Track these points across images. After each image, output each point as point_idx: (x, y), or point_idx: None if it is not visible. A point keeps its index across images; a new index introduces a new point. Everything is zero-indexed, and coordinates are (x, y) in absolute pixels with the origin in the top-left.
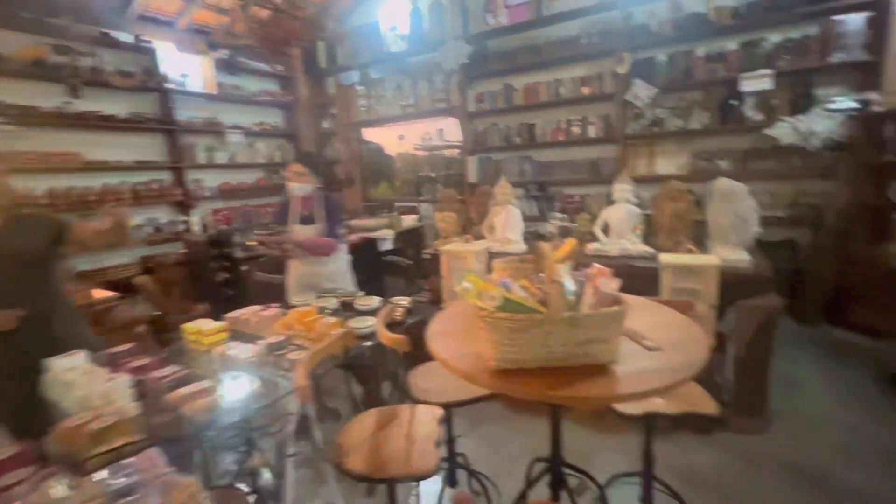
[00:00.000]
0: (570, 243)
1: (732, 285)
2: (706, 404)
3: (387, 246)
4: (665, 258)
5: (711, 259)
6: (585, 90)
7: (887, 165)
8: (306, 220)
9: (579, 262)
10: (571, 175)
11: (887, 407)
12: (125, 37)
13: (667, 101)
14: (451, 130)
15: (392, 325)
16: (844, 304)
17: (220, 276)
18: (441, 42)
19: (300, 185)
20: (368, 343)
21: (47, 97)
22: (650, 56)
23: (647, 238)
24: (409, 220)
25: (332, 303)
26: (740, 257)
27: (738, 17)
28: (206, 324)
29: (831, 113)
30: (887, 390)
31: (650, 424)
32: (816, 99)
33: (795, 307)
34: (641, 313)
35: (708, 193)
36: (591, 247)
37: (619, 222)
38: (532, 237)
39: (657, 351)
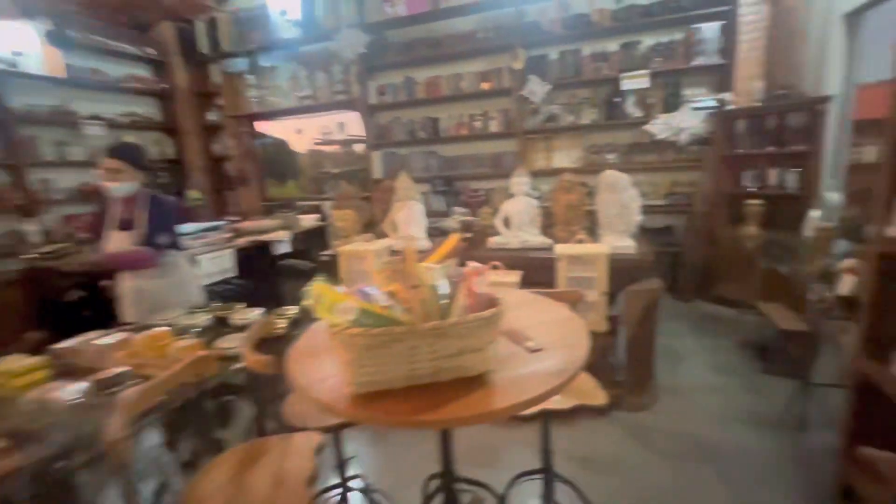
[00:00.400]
0: (450, 240)
1: (621, 271)
2: (596, 395)
3: (283, 249)
4: (560, 249)
5: (601, 248)
6: (485, 85)
7: (740, 158)
8: (126, 225)
9: (484, 256)
10: (475, 169)
11: (748, 370)
12: None
13: (560, 97)
14: (353, 124)
15: (271, 341)
16: (711, 281)
17: (73, 294)
18: (337, 30)
19: (118, 185)
20: (238, 366)
21: None
22: (543, 53)
23: (547, 230)
24: (309, 220)
25: (202, 319)
26: (626, 244)
27: (616, 19)
28: (18, 361)
29: (696, 111)
30: (747, 354)
31: (546, 423)
32: (685, 98)
33: (675, 286)
34: (526, 310)
35: (597, 185)
36: (494, 240)
37: (519, 215)
38: (437, 233)
39: (539, 352)
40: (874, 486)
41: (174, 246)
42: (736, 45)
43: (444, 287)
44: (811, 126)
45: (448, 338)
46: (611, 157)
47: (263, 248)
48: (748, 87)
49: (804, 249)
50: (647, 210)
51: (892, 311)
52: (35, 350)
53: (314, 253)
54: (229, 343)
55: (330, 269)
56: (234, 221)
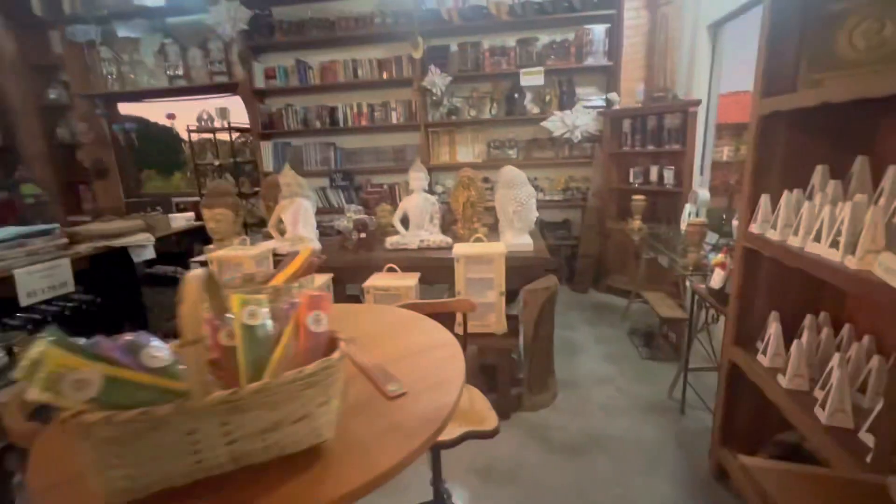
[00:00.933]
0: (302, 255)
1: (518, 270)
2: (486, 419)
3: (147, 255)
4: (457, 248)
5: (498, 247)
6: (385, 74)
7: (626, 155)
8: None
9: (381, 258)
10: (377, 163)
11: (635, 357)
12: None
13: (461, 90)
14: (237, 110)
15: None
16: (604, 272)
17: None
18: (213, 1)
19: None
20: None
21: None
22: (444, 44)
23: (449, 227)
24: (183, 219)
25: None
26: (524, 242)
27: (513, 14)
28: None
29: (588, 109)
30: (634, 342)
31: (435, 455)
32: (578, 96)
33: (572, 277)
34: (397, 336)
35: (496, 181)
36: (391, 240)
37: (417, 212)
38: (332, 232)
39: (402, 397)
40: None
41: None
42: (621, 47)
43: (266, 326)
44: (683, 127)
45: (253, 411)
46: (511, 152)
47: (118, 255)
48: (631, 89)
49: (680, 242)
50: (546, 205)
51: (757, 301)
52: None
53: (188, 259)
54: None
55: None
56: (77, 223)
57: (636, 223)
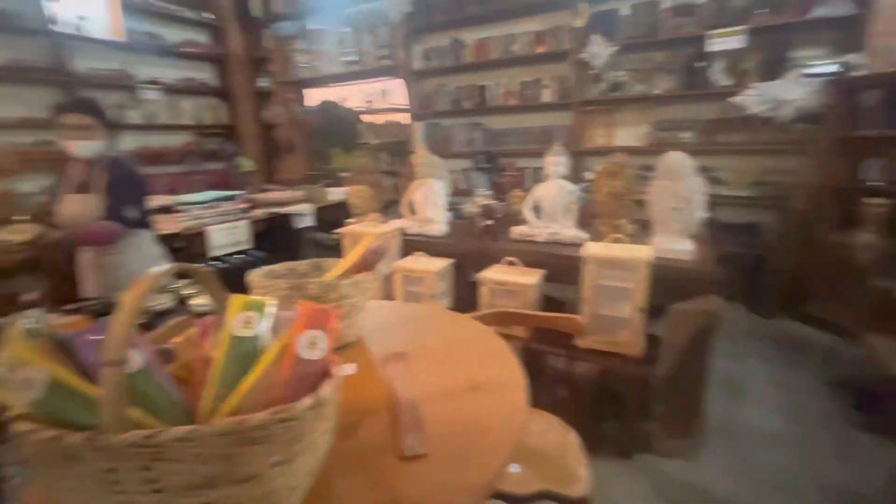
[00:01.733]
0: (363, 244)
1: (669, 283)
2: (577, 479)
3: (305, 223)
4: (588, 248)
5: (643, 251)
6: (540, 48)
7: (861, 141)
8: (81, 189)
9: (504, 248)
10: (524, 145)
11: (838, 421)
12: None
13: (628, 61)
14: (397, 92)
15: None
16: (803, 296)
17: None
18: None
19: (84, 143)
20: None
21: None
22: (612, 8)
23: (588, 221)
24: (337, 194)
25: (162, 302)
26: (680, 248)
27: None
28: None
29: (807, 78)
30: (840, 400)
31: None
32: (793, 62)
33: (752, 296)
34: (453, 360)
35: (656, 170)
36: (518, 230)
37: (550, 202)
38: (458, 216)
39: (419, 459)
40: None
41: (143, 223)
42: None
43: (257, 342)
44: None
45: (180, 461)
46: (686, 135)
47: (285, 220)
48: (888, 47)
49: None
50: (728, 202)
51: None
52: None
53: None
54: None
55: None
56: (264, 191)
57: (867, 236)
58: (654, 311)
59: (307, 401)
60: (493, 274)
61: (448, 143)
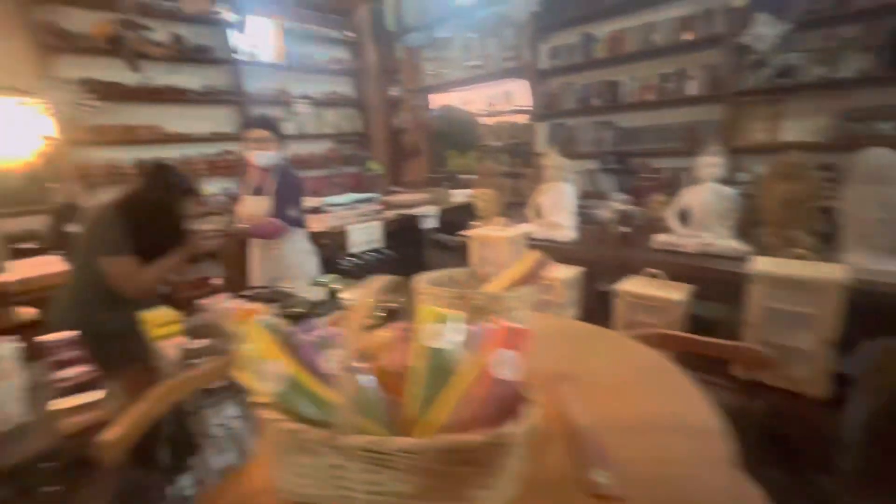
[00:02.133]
0: (528, 258)
1: (870, 311)
2: None
3: (430, 224)
4: (758, 264)
5: (832, 271)
6: (687, 35)
7: None
8: (257, 191)
9: (644, 259)
10: (661, 144)
11: None
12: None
13: (805, 40)
14: (520, 93)
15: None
16: None
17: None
18: None
19: (263, 153)
20: None
21: (127, 73)
22: None
23: (747, 231)
24: (460, 196)
25: (317, 294)
26: (890, 268)
27: None
28: (163, 312)
29: None
30: None
31: None
32: None
33: None
34: (627, 388)
35: (850, 171)
36: (662, 238)
37: (703, 208)
38: (588, 221)
39: (615, 500)
40: None
41: (300, 222)
42: None
43: (450, 355)
44: None
45: (394, 470)
46: (886, 126)
47: (412, 221)
48: None
49: None
50: None
51: None
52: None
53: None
54: None
55: (465, 253)
56: (393, 193)
57: None
58: (845, 344)
59: (520, 427)
60: (633, 286)
61: (573, 144)
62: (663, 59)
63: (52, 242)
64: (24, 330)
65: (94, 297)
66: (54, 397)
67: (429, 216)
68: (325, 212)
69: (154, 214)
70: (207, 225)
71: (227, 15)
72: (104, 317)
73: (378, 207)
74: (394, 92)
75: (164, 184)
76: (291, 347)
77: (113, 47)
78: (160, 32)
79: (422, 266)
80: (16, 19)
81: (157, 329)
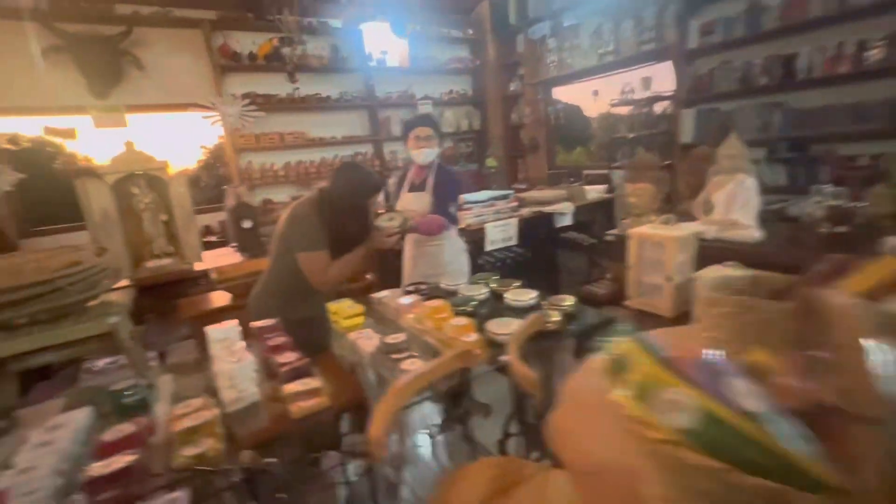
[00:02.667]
0: (887, 264)
1: None
2: None
3: (564, 221)
4: None
5: None
6: None
7: None
8: (416, 188)
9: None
10: (852, 126)
11: None
12: (335, 23)
13: None
14: (661, 78)
15: (542, 338)
16: None
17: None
18: None
19: (425, 151)
20: (504, 358)
21: (278, 85)
22: None
23: None
24: (595, 192)
25: (481, 292)
26: None
27: None
28: (347, 304)
29: None
30: None
31: None
32: None
33: None
34: None
35: None
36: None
37: None
38: (773, 219)
39: None
40: None
41: (456, 218)
42: None
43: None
44: None
45: None
46: None
47: (544, 218)
48: None
49: None
50: None
51: None
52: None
53: (595, 229)
54: (501, 328)
55: (614, 253)
56: (519, 190)
57: None
58: None
59: None
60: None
61: (727, 131)
62: (860, 23)
63: (230, 236)
64: (218, 314)
65: (287, 289)
66: (281, 381)
67: (564, 213)
68: (465, 209)
69: (345, 211)
70: (388, 222)
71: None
72: (297, 306)
73: (513, 204)
74: (513, 87)
75: (355, 181)
76: (680, 371)
77: (273, 63)
78: (310, 46)
79: (555, 267)
80: (202, 46)
81: (344, 320)
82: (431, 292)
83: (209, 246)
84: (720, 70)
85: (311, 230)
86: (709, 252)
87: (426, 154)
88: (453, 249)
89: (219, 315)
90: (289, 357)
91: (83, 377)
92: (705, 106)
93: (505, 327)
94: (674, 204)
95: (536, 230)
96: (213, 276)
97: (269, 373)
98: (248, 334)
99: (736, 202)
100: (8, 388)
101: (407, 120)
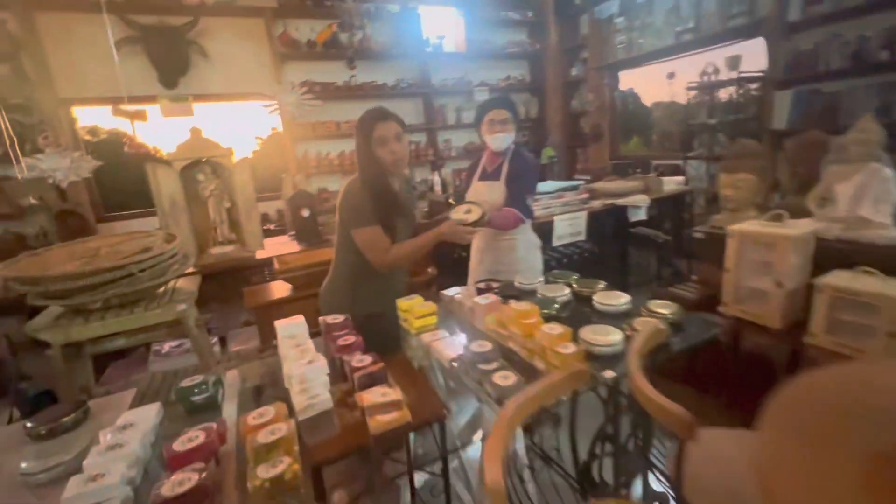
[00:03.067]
0: None
1: None
2: None
3: (639, 216)
4: None
5: None
6: None
7: None
8: (489, 177)
9: None
10: None
11: None
12: (393, 7)
13: None
14: (750, 57)
15: (652, 354)
16: None
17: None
18: None
19: (501, 136)
20: (609, 375)
21: (336, 73)
22: None
23: None
24: (672, 183)
25: (564, 294)
26: None
27: None
28: (419, 302)
29: None
30: None
31: None
32: None
33: None
34: None
35: None
36: None
37: None
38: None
39: None
40: None
41: (531, 211)
42: None
43: None
44: None
45: None
46: None
47: (615, 212)
48: None
49: None
50: None
51: None
52: (426, 286)
53: (667, 224)
54: (599, 337)
55: (705, 252)
56: (587, 181)
57: None
58: None
59: None
60: None
61: (833, 115)
62: None
63: (288, 225)
64: (279, 307)
65: (355, 280)
66: (354, 387)
67: (639, 207)
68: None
69: (370, 161)
70: (465, 214)
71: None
72: (366, 301)
73: (583, 196)
74: (574, 72)
75: (361, 119)
76: None
77: (331, 50)
78: (368, 31)
79: (625, 266)
80: (263, 34)
81: (416, 320)
82: (506, 290)
83: (267, 234)
84: (827, 45)
85: (360, 204)
86: (830, 254)
87: (502, 139)
88: (527, 245)
89: (280, 307)
90: (363, 360)
91: (152, 360)
92: (805, 87)
93: (603, 336)
94: (775, 197)
95: (605, 225)
96: (276, 266)
97: (339, 375)
98: (312, 329)
99: (867, 196)
100: (84, 369)
101: (481, 102)
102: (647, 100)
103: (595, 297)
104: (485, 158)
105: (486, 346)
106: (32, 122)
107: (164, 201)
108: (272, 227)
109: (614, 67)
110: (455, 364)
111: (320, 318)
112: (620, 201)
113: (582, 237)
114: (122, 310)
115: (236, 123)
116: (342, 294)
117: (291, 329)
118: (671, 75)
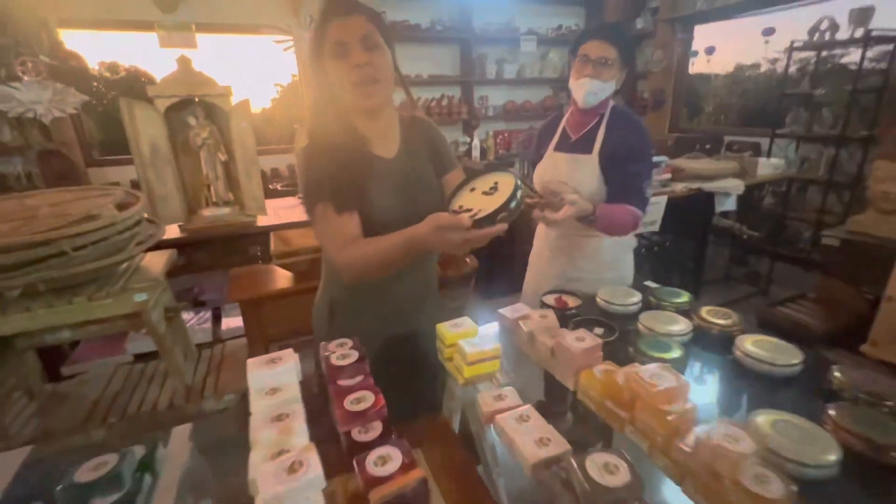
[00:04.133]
0: None
1: None
2: None
3: (727, 206)
4: None
5: None
6: None
7: None
8: (574, 148)
9: None
10: None
11: None
12: None
13: None
14: (884, 10)
15: None
16: None
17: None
18: None
19: (592, 83)
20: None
21: None
22: None
23: None
24: (770, 166)
25: (684, 330)
26: None
27: None
28: (472, 334)
29: None
30: None
31: None
32: None
33: None
34: None
35: None
36: None
37: None
38: None
39: None
40: None
41: (645, 204)
42: None
43: None
44: None
45: None
46: None
47: (698, 199)
48: None
49: None
50: None
51: None
52: (464, 282)
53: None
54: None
55: (845, 265)
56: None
57: None
58: None
59: None
60: None
61: None
62: None
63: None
64: (275, 303)
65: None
66: (353, 451)
67: (730, 195)
68: None
69: (349, 137)
70: (468, 198)
71: None
72: (380, 317)
73: (665, 176)
74: (640, 24)
75: None
76: None
77: None
78: None
79: (700, 265)
80: None
81: (467, 367)
82: (584, 311)
83: (275, 194)
84: None
85: (306, 165)
86: None
87: (594, 88)
88: (618, 246)
89: (276, 306)
90: (388, 458)
91: (132, 336)
92: None
93: (807, 445)
94: None
95: (685, 213)
96: (272, 245)
97: (345, 451)
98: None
99: None
100: (22, 366)
101: (581, 31)
102: (729, 63)
103: (750, 347)
104: (567, 119)
105: (610, 459)
106: (6, 42)
107: (144, 147)
108: (280, 186)
109: (691, 20)
110: (543, 480)
111: (321, 347)
112: (709, 186)
113: (655, 228)
114: (58, 298)
115: (251, 64)
116: (343, 305)
117: (269, 379)
118: (769, 31)
